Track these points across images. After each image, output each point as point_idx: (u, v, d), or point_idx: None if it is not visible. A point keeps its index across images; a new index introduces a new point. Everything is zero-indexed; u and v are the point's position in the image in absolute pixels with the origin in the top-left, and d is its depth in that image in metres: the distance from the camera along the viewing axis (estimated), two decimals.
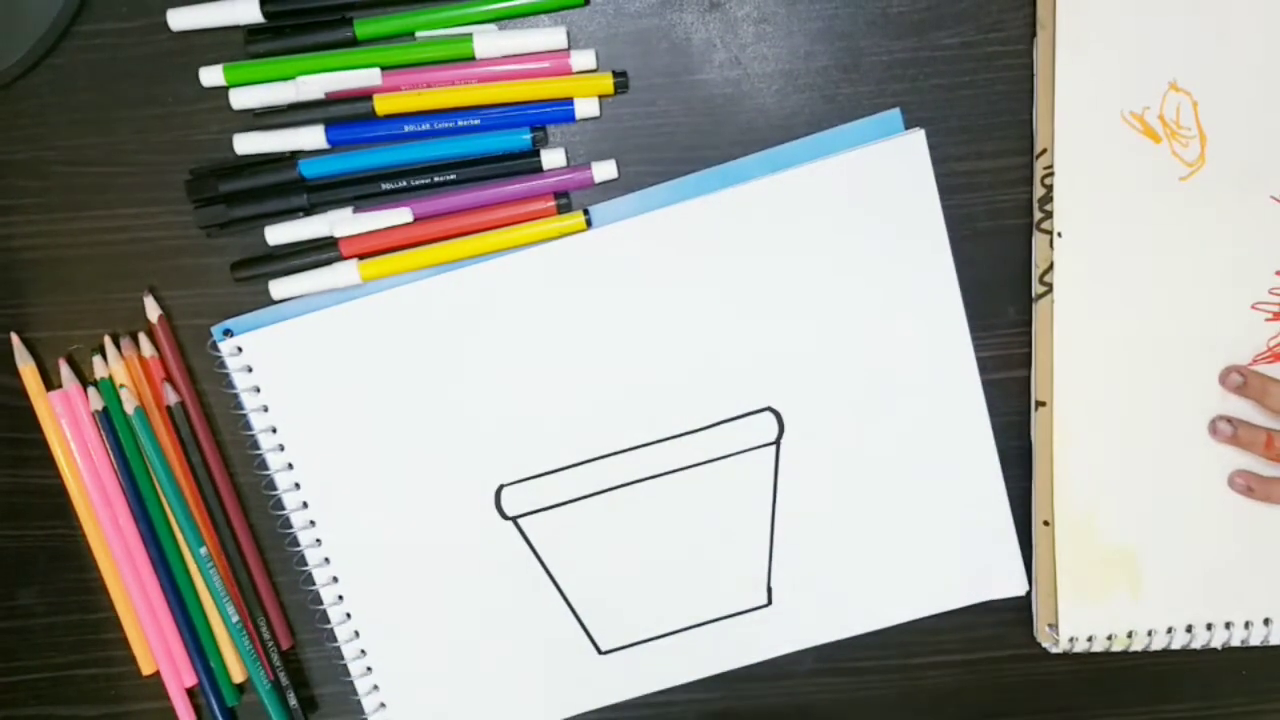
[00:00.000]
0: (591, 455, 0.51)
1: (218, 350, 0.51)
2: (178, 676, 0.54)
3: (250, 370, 0.51)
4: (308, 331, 0.50)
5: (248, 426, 0.52)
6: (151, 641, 0.53)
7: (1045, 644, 0.53)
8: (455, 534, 0.52)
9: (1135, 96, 0.48)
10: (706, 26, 0.49)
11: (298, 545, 0.52)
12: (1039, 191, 0.50)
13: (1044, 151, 0.49)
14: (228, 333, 0.51)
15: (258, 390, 0.51)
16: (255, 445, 0.52)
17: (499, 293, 0.50)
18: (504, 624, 0.53)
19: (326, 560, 0.53)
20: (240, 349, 0.50)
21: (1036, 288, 0.51)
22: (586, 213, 0.50)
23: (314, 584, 0.53)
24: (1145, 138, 0.49)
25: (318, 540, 0.53)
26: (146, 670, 0.54)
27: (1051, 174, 0.49)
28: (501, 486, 0.52)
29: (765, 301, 0.50)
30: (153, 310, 0.51)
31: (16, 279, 0.51)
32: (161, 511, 0.52)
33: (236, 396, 0.51)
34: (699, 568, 0.53)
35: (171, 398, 0.51)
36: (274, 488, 0.52)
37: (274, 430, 0.51)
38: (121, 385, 0.50)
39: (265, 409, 0.51)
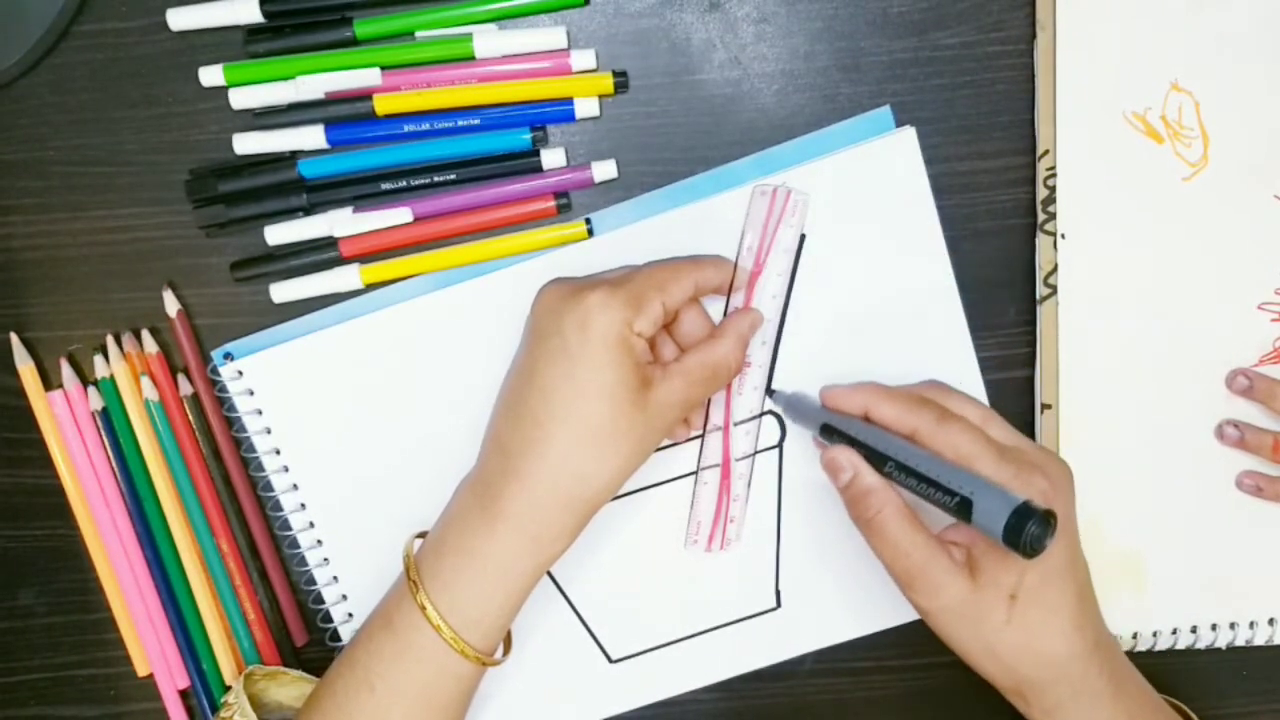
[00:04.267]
0: None
1: (218, 375, 0.51)
2: (171, 678, 0.54)
3: (252, 394, 0.51)
4: (309, 352, 0.50)
5: (250, 449, 0.51)
6: (146, 643, 0.53)
7: None
8: None
9: (1137, 97, 0.48)
10: (706, 26, 0.49)
11: (306, 565, 0.52)
12: (1042, 193, 0.50)
13: (1046, 153, 0.49)
14: (228, 356, 0.51)
15: (260, 413, 0.51)
16: (259, 467, 0.52)
17: (499, 305, 0.49)
18: (514, 635, 0.53)
19: (335, 579, 0.53)
20: (241, 372, 0.50)
21: (1041, 290, 0.50)
22: (588, 221, 0.50)
23: (323, 603, 0.53)
24: (1147, 138, 0.49)
25: (325, 560, 0.53)
26: (142, 672, 0.54)
27: (1054, 175, 0.49)
28: None
29: (763, 305, 0.50)
30: (171, 305, 0.51)
31: (16, 279, 0.51)
32: (159, 513, 0.52)
33: (239, 419, 0.51)
34: (706, 573, 0.53)
35: (186, 389, 0.51)
36: (280, 509, 0.52)
37: (277, 452, 0.51)
38: (143, 374, 0.50)
39: (268, 431, 0.51)
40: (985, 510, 0.40)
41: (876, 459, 0.45)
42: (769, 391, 0.50)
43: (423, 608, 0.44)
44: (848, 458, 0.45)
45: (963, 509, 0.41)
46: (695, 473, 0.52)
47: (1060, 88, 0.48)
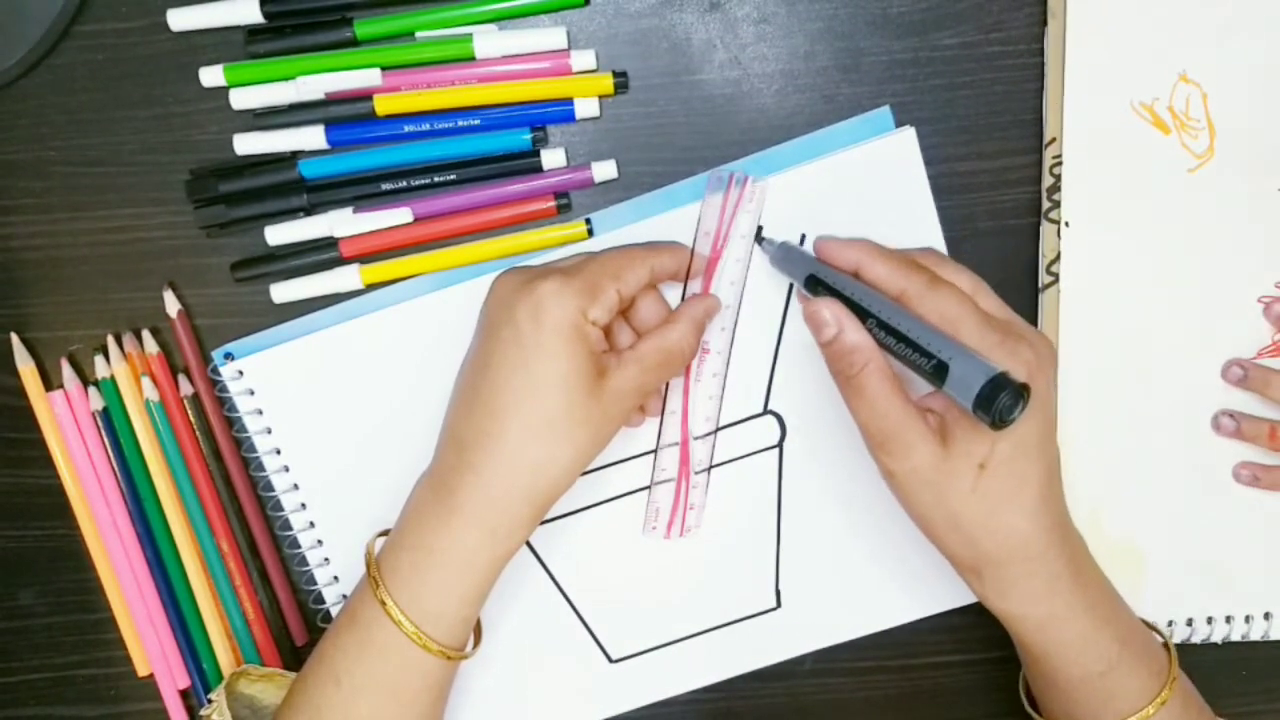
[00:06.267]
0: (594, 464, 0.51)
1: (219, 375, 0.51)
2: (171, 678, 0.54)
3: (252, 394, 0.51)
4: (309, 352, 0.50)
5: (251, 449, 0.52)
6: (147, 643, 0.53)
7: None
8: None
9: (1145, 87, 0.48)
10: (706, 26, 0.49)
11: (306, 565, 0.52)
12: (1047, 181, 0.49)
13: (1053, 141, 0.49)
14: (229, 356, 0.51)
15: (260, 413, 0.51)
16: (259, 467, 0.52)
17: None
18: (513, 636, 0.53)
19: (336, 579, 0.53)
20: (241, 372, 0.50)
21: (1043, 278, 0.50)
22: (588, 221, 0.50)
23: (323, 602, 0.53)
24: (1154, 129, 0.49)
25: (326, 559, 0.53)
26: (142, 672, 0.54)
27: (1060, 164, 0.49)
28: None
29: (763, 304, 0.50)
30: (172, 305, 0.51)
31: (16, 279, 0.51)
32: (159, 513, 0.52)
33: (239, 419, 0.51)
34: (707, 573, 0.53)
35: (187, 389, 0.51)
36: (280, 509, 0.52)
37: (278, 452, 0.51)
38: (143, 374, 0.50)
39: (269, 431, 0.51)
40: (960, 376, 0.40)
41: (859, 314, 0.43)
42: (758, 239, 0.49)
43: (383, 604, 0.44)
44: (833, 311, 0.43)
45: (938, 373, 0.40)
46: (654, 451, 0.51)
47: (1068, 77, 0.48)
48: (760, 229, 0.49)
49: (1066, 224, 0.49)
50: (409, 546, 0.45)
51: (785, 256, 0.48)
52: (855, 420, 0.44)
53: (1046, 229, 0.50)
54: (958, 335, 0.42)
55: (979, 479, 0.42)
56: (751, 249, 0.49)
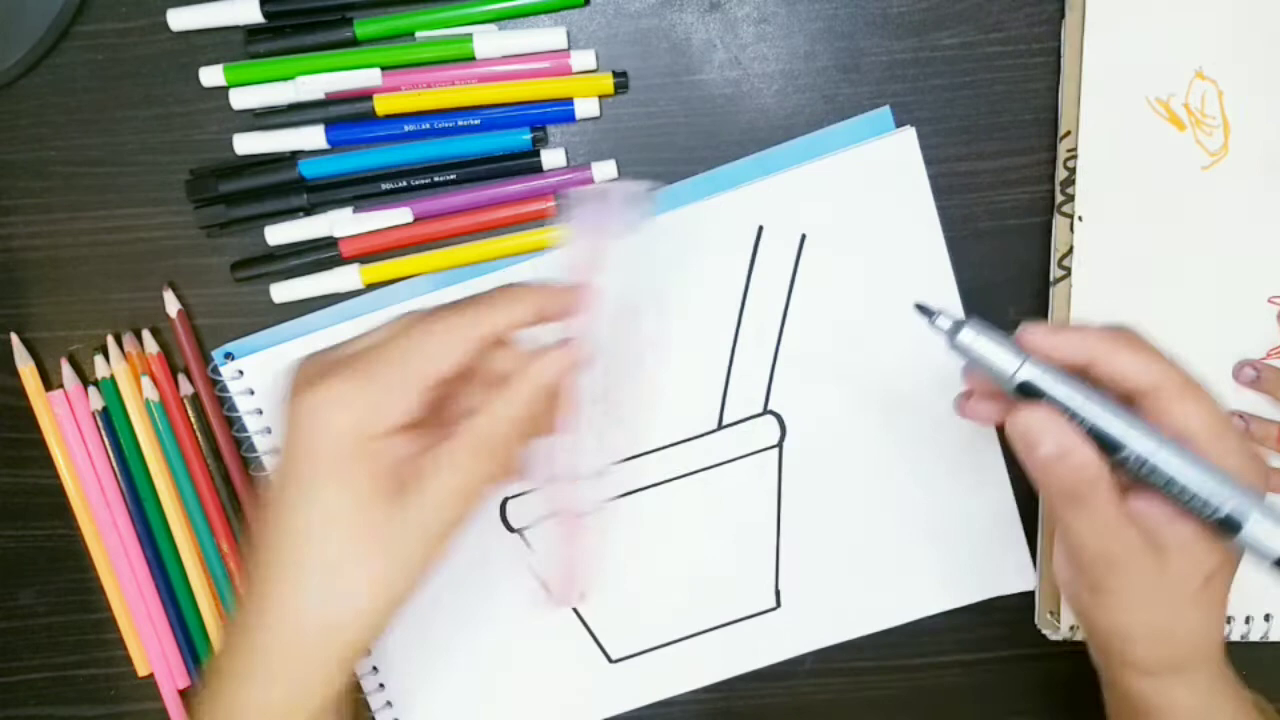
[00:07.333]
0: None
1: (219, 375, 0.51)
2: (171, 678, 0.54)
3: (252, 393, 0.51)
4: (309, 352, 0.50)
5: (251, 449, 0.51)
6: (146, 643, 0.53)
7: (1046, 631, 0.53)
8: (462, 548, 0.51)
9: (1161, 83, 0.48)
10: (706, 27, 0.49)
11: None
12: (1061, 174, 0.49)
13: (1068, 134, 0.49)
14: (229, 356, 0.51)
15: (260, 413, 0.51)
16: (260, 467, 0.52)
17: None
18: (513, 635, 0.53)
19: None
20: (241, 372, 0.50)
21: (1055, 271, 0.50)
22: None
23: None
24: (1169, 125, 0.48)
25: None
26: (142, 671, 0.54)
27: (1074, 157, 0.49)
28: (506, 499, 0.52)
29: (763, 305, 0.50)
30: (172, 305, 0.51)
31: (16, 279, 0.51)
32: (159, 513, 0.52)
33: (239, 419, 0.51)
34: (707, 573, 0.53)
35: (187, 389, 0.51)
36: None
37: (278, 452, 0.51)
38: (143, 374, 0.50)
39: (269, 430, 0.51)
40: (1258, 536, 0.36)
41: (1107, 444, 0.36)
42: (926, 313, 0.38)
43: None
44: (1054, 429, 0.36)
45: (1226, 526, 0.36)
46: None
47: (1086, 70, 0.47)
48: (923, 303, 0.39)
49: (1080, 218, 0.49)
50: (223, 707, 0.38)
51: (979, 351, 0.37)
52: (1066, 539, 0.39)
53: (1059, 222, 0.50)
54: (1224, 459, 0.37)
55: (1201, 592, 0.39)
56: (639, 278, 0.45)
